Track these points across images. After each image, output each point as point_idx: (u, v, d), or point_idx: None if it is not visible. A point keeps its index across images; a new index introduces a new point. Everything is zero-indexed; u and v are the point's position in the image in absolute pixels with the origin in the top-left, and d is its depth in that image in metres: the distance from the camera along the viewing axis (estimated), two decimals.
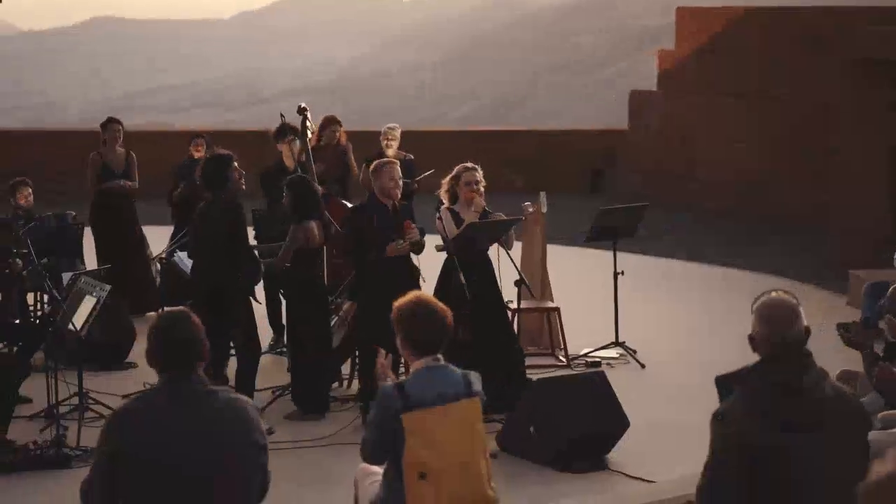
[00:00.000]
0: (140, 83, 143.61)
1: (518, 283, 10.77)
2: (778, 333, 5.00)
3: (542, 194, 12.25)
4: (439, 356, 5.82)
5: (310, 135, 12.47)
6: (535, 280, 12.16)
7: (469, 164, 10.57)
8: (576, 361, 11.86)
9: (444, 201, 10.54)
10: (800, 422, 4.86)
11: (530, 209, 12.16)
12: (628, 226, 12.43)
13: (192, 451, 4.86)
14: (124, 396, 10.63)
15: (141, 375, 11.32)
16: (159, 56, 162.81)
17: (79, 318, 9.69)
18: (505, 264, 10.64)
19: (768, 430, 4.85)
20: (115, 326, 11.87)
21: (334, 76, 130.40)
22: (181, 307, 5.26)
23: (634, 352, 12.07)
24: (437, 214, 10.40)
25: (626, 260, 13.23)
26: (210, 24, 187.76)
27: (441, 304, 5.82)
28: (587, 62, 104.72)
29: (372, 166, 10.44)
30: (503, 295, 10.68)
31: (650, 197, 15.92)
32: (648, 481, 8.75)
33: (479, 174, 10.48)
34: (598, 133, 26.69)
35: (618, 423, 9.29)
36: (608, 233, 12.25)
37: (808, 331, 5.07)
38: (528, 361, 11.14)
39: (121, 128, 13.91)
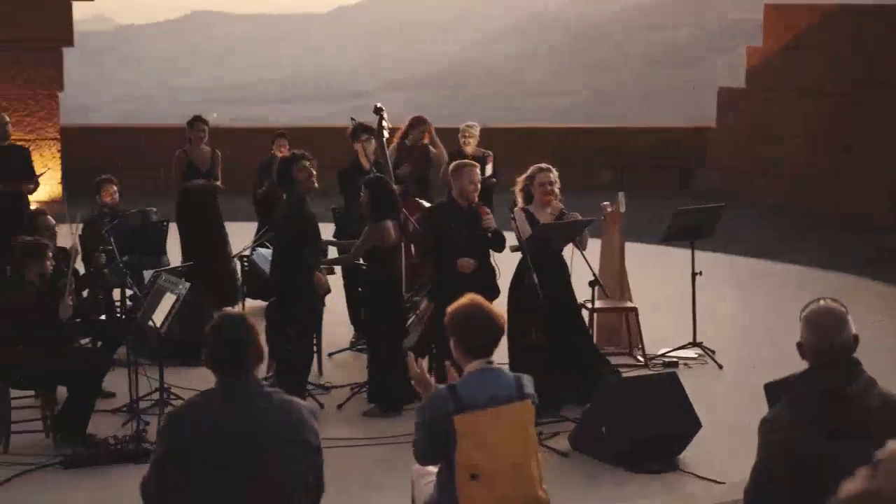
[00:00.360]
0: (237, 77, 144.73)
1: (593, 284, 10.82)
2: (826, 341, 5.02)
3: (621, 194, 12.29)
4: (492, 359, 5.88)
5: (386, 135, 12.57)
6: (613, 280, 12.21)
7: (543, 165, 10.62)
8: (653, 361, 11.87)
9: (518, 201, 10.61)
10: (846, 430, 4.88)
11: (609, 209, 12.24)
12: (706, 226, 12.40)
13: (243, 450, 4.97)
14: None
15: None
16: (257, 50, 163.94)
17: (159, 315, 9.86)
18: (580, 264, 10.69)
19: (815, 438, 4.88)
20: (198, 323, 12.04)
21: (437, 69, 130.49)
22: (237, 310, 5.38)
23: (713, 352, 12.04)
24: (511, 215, 10.46)
25: (710, 259, 13.23)
26: (308, 19, 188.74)
27: (495, 309, 5.89)
28: (680, 57, 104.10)
29: (452, 167, 10.53)
30: (578, 295, 10.74)
31: (734, 194, 15.86)
32: (718, 482, 8.75)
33: (554, 175, 10.52)
34: (688, 130, 26.57)
35: (689, 424, 9.30)
36: (685, 233, 12.24)
37: (856, 339, 5.09)
38: (613, 362, 11.26)
39: (206, 126, 14.09)
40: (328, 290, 10.84)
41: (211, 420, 5.03)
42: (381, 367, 10.30)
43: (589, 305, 11.63)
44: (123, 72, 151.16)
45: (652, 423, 9.21)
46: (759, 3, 25.21)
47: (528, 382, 5.91)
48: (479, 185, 10.35)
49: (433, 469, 5.99)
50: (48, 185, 21.05)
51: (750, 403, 10.50)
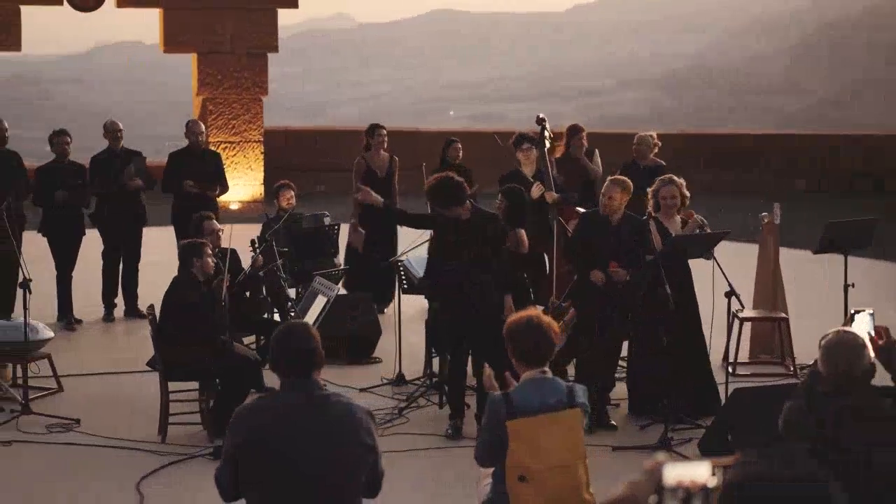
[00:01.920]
0: (474, 75, 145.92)
1: (728, 294, 10.99)
2: (843, 372, 5.28)
3: (776, 205, 12.43)
4: (546, 369, 6.25)
5: (548, 144, 12.90)
6: (766, 289, 12.38)
7: (667, 178, 10.88)
8: (803, 371, 11.96)
9: (650, 210, 10.87)
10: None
11: (765, 220, 12.42)
12: (859, 238, 12.43)
13: (303, 448, 5.44)
14: (361, 390, 11.42)
15: (382, 370, 12.05)
16: (493, 48, 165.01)
17: (311, 317, 10.43)
18: (719, 275, 10.87)
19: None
20: (364, 321, 12.64)
21: (672, 68, 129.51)
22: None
23: None
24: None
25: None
26: (545, 17, 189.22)
27: (550, 321, 6.25)
28: None
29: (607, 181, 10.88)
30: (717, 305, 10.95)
31: None
32: None
33: (678, 188, 10.73)
34: None
35: None
36: (837, 245, 12.29)
37: (874, 367, 5.32)
38: (761, 370, 11.46)
39: (385, 133, 14.58)
40: None
41: (273, 419, 5.51)
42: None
43: (741, 315, 11.81)
44: (362, 70, 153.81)
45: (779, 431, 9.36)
46: None
47: (580, 392, 6.26)
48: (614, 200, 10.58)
49: (492, 471, 6.38)
50: (251, 186, 22.03)
51: None
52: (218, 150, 21.33)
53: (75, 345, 13.23)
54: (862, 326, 5.64)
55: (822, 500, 2.67)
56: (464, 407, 10.36)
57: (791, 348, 12.21)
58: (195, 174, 14.35)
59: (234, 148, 22.22)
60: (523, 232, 10.83)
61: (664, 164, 14.28)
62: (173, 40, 22.03)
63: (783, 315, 12.29)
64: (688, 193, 10.96)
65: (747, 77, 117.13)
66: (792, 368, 12.02)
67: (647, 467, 2.70)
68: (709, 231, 10.83)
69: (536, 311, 6.35)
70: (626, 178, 10.79)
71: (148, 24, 22.78)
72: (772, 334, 12.42)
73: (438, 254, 10.57)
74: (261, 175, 22.00)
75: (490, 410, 6.18)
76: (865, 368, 5.30)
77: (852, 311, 5.91)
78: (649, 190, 11.03)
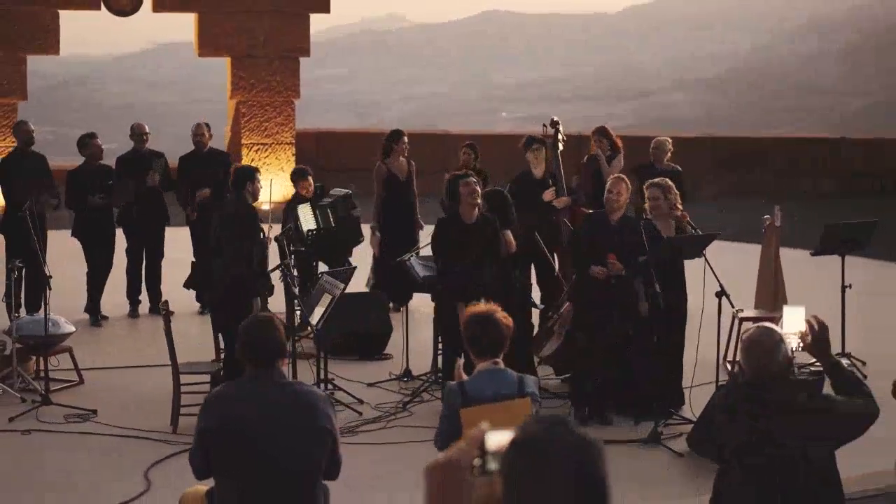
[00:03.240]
0: (526, 76, 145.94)
1: (719, 294, 11.31)
2: (761, 366, 5.66)
3: (777, 208, 12.75)
4: (498, 360, 6.66)
5: (560, 146, 13.24)
6: (767, 289, 12.69)
7: (656, 181, 11.26)
8: (801, 370, 12.25)
9: (646, 211, 11.23)
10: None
11: (767, 221, 12.76)
12: (858, 240, 12.73)
13: (267, 431, 5.89)
14: (369, 385, 11.83)
15: (391, 366, 12.46)
16: (545, 49, 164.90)
17: (317, 313, 10.87)
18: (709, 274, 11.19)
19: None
20: (377, 319, 13.04)
21: (726, 69, 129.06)
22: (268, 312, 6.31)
23: (864, 363, 12.34)
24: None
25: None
26: (598, 18, 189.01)
27: (504, 315, 6.66)
28: None
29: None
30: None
31: None
32: None
33: (665, 190, 11.08)
34: None
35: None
36: (836, 246, 12.60)
37: (790, 361, 5.68)
38: None
39: (407, 140, 14.91)
40: None
41: (238, 405, 5.97)
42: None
43: (740, 315, 12.14)
44: (413, 70, 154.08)
45: None
46: None
47: (530, 382, 6.70)
48: (620, 197, 10.95)
49: None
50: (281, 186, 22.51)
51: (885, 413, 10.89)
52: (249, 152, 21.96)
53: (100, 339, 13.77)
54: (793, 322, 5.98)
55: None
56: None
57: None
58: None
59: (266, 150, 22.73)
60: (509, 233, 11.22)
61: (679, 168, 14.62)
62: (208, 44, 22.57)
63: (777, 315, 12.57)
64: (678, 201, 11.28)
65: (802, 78, 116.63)
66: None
67: (470, 435, 3.05)
68: (699, 233, 11.17)
69: (491, 305, 6.75)
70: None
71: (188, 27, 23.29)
72: None
73: (443, 256, 11.04)
74: None
75: (446, 399, 6.63)
76: (781, 364, 5.65)
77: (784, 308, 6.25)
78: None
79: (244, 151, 22.58)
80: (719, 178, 25.06)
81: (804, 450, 5.78)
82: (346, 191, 14.26)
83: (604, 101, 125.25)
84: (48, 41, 21.60)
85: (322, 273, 11.51)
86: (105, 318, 14.47)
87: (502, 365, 6.68)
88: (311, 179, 14.15)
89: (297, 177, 14.32)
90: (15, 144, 14.90)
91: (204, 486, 6.34)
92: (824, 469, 5.93)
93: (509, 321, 6.69)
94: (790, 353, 5.73)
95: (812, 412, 5.72)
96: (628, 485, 8.98)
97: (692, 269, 11.17)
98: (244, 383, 6.09)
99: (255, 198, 11.37)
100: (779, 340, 5.70)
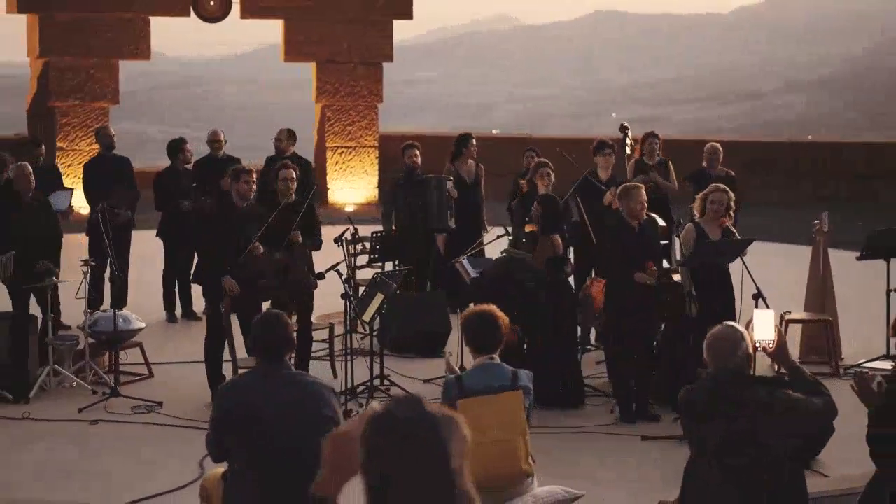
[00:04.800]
0: (637, 77, 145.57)
1: (756, 297, 11.61)
2: (721, 364, 6.06)
3: (825, 213, 13.04)
4: (494, 356, 7.13)
5: (628, 151, 13.63)
6: (817, 292, 13.00)
7: (721, 186, 11.53)
8: (845, 371, 12.54)
9: (695, 214, 11.54)
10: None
11: (816, 226, 13.06)
12: None
13: (276, 417, 6.39)
14: (425, 381, 12.30)
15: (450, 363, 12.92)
16: (656, 50, 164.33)
17: (369, 311, 11.37)
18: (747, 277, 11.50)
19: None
20: (436, 318, 13.54)
21: (837, 71, 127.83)
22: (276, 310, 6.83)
23: None
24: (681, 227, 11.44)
25: None
26: (709, 19, 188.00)
27: (500, 314, 7.13)
28: None
29: (620, 189, 11.59)
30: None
31: None
32: (824, 475, 9.60)
33: (729, 196, 11.36)
34: None
35: (824, 431, 10.02)
36: (881, 252, 12.86)
37: (749, 358, 6.06)
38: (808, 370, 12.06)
39: (475, 143, 15.38)
40: None
41: (250, 394, 6.50)
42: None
43: (787, 317, 12.48)
44: (523, 71, 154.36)
45: None
46: None
47: (523, 376, 7.19)
48: (645, 205, 11.32)
49: None
50: (366, 189, 23.11)
51: None
52: (334, 155, 22.55)
53: (173, 335, 14.41)
54: (763, 324, 6.33)
55: None
56: None
57: (838, 349, 12.78)
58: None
59: (350, 153, 23.35)
60: (558, 237, 11.61)
61: (733, 173, 14.92)
62: (293, 50, 23.23)
63: (827, 317, 12.87)
64: (733, 205, 11.56)
65: None
66: (838, 368, 12.57)
67: (366, 412, 3.53)
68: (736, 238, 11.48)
69: (489, 305, 7.26)
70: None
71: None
72: (820, 336, 13.01)
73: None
74: (375, 178, 23.06)
75: (445, 391, 7.15)
76: (739, 360, 6.03)
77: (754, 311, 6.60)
78: (698, 196, 11.70)
79: (328, 154, 23.20)
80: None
81: (786, 448, 6.13)
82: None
83: (715, 102, 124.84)
84: (140, 47, 22.41)
85: (376, 274, 11.98)
86: (197, 314, 14.86)
87: (498, 360, 7.15)
88: (417, 151, 14.94)
89: (405, 148, 15.04)
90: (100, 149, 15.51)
91: (221, 469, 6.88)
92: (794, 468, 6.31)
93: (506, 320, 7.16)
94: (749, 351, 6.10)
95: (784, 411, 6.06)
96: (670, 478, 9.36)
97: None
98: (255, 374, 6.63)
99: (244, 198, 11.71)
100: (740, 338, 6.07)
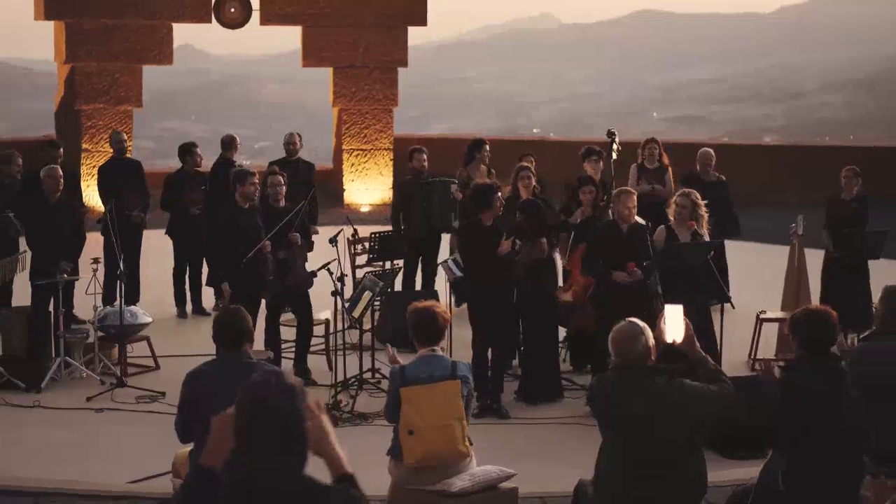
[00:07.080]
0: (677, 76, 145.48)
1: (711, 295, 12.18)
2: (622, 355, 6.71)
3: (800, 217, 13.62)
4: (436, 347, 7.90)
5: (614, 156, 14.19)
6: (792, 293, 13.62)
7: (687, 191, 12.17)
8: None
9: (670, 218, 12.16)
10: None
11: (792, 229, 13.67)
12: (869, 249, 13.62)
13: (228, 402, 7.05)
14: None
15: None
16: (697, 50, 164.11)
17: (359, 308, 12.05)
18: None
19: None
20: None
21: (879, 71, 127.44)
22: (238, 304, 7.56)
23: None
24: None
25: None
26: (749, 19, 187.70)
27: (442, 309, 7.85)
28: None
29: (614, 192, 12.24)
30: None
31: None
32: None
33: (694, 200, 11.93)
34: None
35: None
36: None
37: (649, 349, 6.69)
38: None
39: (488, 149, 15.83)
40: None
41: (211, 381, 7.22)
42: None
43: (762, 316, 13.13)
44: (564, 70, 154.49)
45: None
46: None
47: (462, 367, 7.95)
48: (635, 210, 11.94)
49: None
50: (381, 191, 23.83)
51: None
52: (350, 157, 23.31)
53: (182, 330, 15.16)
54: (672, 319, 6.93)
55: None
56: (484, 389, 11.82)
57: None
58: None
59: (366, 155, 24.07)
60: (544, 240, 12.21)
61: (724, 178, 15.48)
62: (311, 55, 23.98)
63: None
64: (704, 210, 12.14)
65: None
66: None
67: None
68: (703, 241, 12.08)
69: (432, 301, 7.99)
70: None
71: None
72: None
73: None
74: (390, 180, 23.71)
75: (390, 380, 7.94)
76: (640, 352, 6.67)
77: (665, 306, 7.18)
78: (670, 200, 12.39)
79: (344, 157, 23.94)
80: None
81: (685, 437, 6.75)
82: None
83: (756, 102, 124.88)
84: (163, 52, 23.19)
85: (366, 273, 12.66)
86: (207, 310, 15.51)
87: (440, 352, 7.87)
88: (424, 155, 15.45)
89: (412, 152, 15.57)
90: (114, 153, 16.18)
91: (189, 448, 7.61)
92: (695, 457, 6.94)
93: (447, 315, 7.87)
94: (650, 343, 6.72)
95: (680, 397, 6.68)
96: None
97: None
98: (216, 362, 7.37)
99: (248, 199, 12.49)
100: (640, 332, 6.72)
